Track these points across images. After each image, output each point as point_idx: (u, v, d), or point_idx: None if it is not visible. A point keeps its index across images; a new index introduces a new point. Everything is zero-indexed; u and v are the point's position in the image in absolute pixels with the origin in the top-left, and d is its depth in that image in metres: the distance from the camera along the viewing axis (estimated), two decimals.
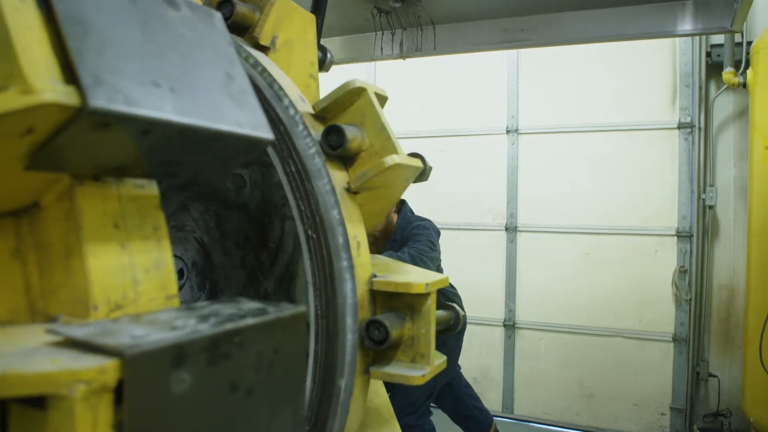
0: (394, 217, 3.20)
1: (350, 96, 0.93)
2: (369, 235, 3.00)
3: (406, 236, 3.06)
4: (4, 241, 0.62)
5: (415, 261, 2.77)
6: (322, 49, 1.39)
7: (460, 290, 4.76)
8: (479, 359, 4.75)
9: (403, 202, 3.30)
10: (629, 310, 4.30)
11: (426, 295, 0.87)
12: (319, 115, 0.95)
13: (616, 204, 4.32)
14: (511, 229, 4.60)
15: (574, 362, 4.44)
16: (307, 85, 1.16)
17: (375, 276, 0.91)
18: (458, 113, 4.81)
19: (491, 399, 4.70)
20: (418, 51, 3.15)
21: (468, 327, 4.79)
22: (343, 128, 0.88)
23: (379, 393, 1.06)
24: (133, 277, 0.62)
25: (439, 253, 3.18)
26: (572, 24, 2.75)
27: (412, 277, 0.92)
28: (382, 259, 1.11)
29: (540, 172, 4.54)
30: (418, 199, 4.92)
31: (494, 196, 4.68)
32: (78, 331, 0.50)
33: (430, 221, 3.23)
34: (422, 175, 1.06)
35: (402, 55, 3.22)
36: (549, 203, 4.50)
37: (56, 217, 0.60)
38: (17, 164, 0.52)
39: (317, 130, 0.90)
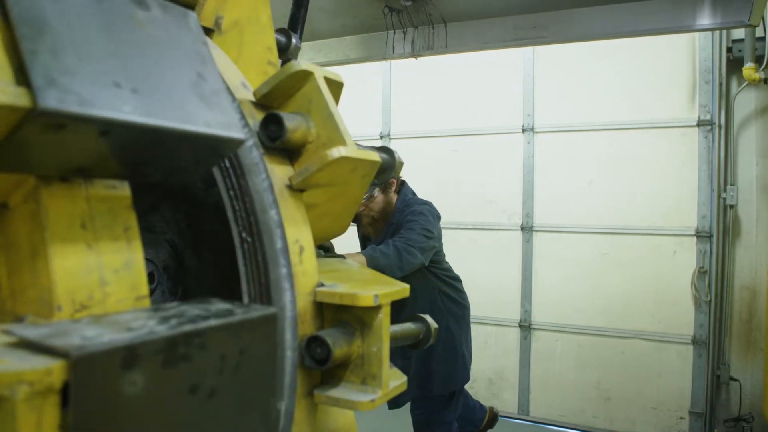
0: (394, 197, 3.05)
1: (294, 80, 0.83)
2: (367, 216, 2.89)
3: (402, 221, 2.87)
4: None
5: (400, 253, 2.63)
6: (285, 34, 1.28)
7: (475, 291, 4.74)
8: (494, 360, 4.71)
9: (403, 183, 3.13)
10: (647, 312, 4.23)
11: (376, 309, 0.78)
12: (262, 103, 0.85)
13: (634, 203, 4.26)
14: (527, 229, 4.56)
15: (591, 364, 4.38)
16: (264, 72, 1.04)
17: (321, 285, 0.82)
18: (473, 112, 4.78)
19: (507, 400, 4.67)
20: (429, 49, 3.14)
21: (483, 328, 4.77)
22: (282, 117, 0.78)
23: (345, 412, 1.00)
24: (100, 278, 0.62)
25: (439, 239, 3.01)
26: (586, 20, 2.71)
27: (362, 286, 0.81)
28: (338, 264, 1.05)
29: (556, 171, 4.49)
30: (432, 198, 4.90)
31: (510, 196, 4.64)
32: (31, 332, 0.50)
33: (429, 205, 3.04)
34: (389, 171, 1.00)
35: (414, 54, 3.21)
36: (565, 202, 4.45)
37: (23, 218, 0.60)
38: None
39: (257, 120, 0.81)
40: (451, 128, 4.86)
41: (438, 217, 3.01)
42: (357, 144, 0.88)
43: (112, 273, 0.63)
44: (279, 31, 1.28)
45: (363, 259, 2.51)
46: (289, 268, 0.76)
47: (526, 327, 4.57)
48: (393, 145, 5.11)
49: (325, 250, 1.46)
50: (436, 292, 3.07)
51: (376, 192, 2.96)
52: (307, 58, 3.52)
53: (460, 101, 4.83)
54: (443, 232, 5.04)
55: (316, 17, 3.35)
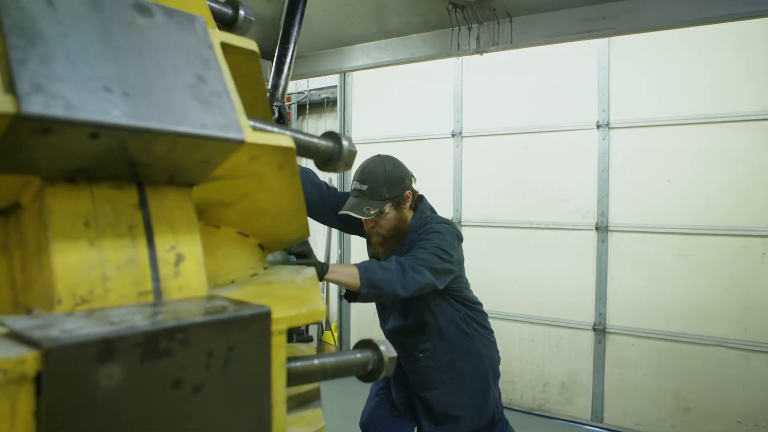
0: (409, 215, 2.64)
1: None
2: (377, 235, 2.58)
3: (416, 241, 2.52)
4: None
5: (404, 270, 2.29)
6: (232, 5, 1.13)
7: (547, 292, 4.64)
8: (567, 363, 4.59)
9: (420, 199, 2.73)
10: (732, 318, 3.99)
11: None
12: None
13: (718, 202, 4.02)
14: (602, 229, 4.40)
15: (670, 372, 4.18)
16: None
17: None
18: (545, 109, 4.66)
19: (580, 405, 4.53)
20: (495, 45, 3.10)
21: (555, 330, 4.65)
22: None
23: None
24: (102, 274, 0.65)
25: (459, 264, 2.60)
26: (658, 8, 2.59)
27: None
28: (280, 275, 0.95)
29: (633, 168, 4.31)
30: (504, 198, 4.83)
31: (584, 195, 4.50)
32: (19, 324, 0.53)
33: (450, 224, 2.63)
34: (335, 160, 0.91)
35: (479, 50, 3.17)
36: (643, 201, 4.27)
37: (31, 217, 0.64)
38: None
39: None
40: (522, 125, 4.76)
41: (459, 238, 2.65)
42: (264, 126, 0.80)
43: (115, 269, 0.66)
44: (227, 2, 1.14)
45: (354, 271, 2.22)
46: (159, 283, 0.69)
47: (600, 330, 4.42)
48: (465, 144, 5.07)
49: (299, 256, 1.35)
50: (461, 315, 2.70)
51: (387, 208, 2.56)
52: (372, 58, 3.55)
53: (531, 98, 4.73)
54: (514, 232, 5.01)
55: (381, 16, 3.37)
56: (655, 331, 4.22)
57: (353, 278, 2.21)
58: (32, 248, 0.64)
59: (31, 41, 0.54)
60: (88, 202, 0.65)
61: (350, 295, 2.31)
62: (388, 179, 2.54)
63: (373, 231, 2.61)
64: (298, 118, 6.87)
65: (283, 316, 0.71)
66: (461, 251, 2.65)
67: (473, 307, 2.77)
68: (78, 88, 0.56)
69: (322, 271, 2.14)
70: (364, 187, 2.53)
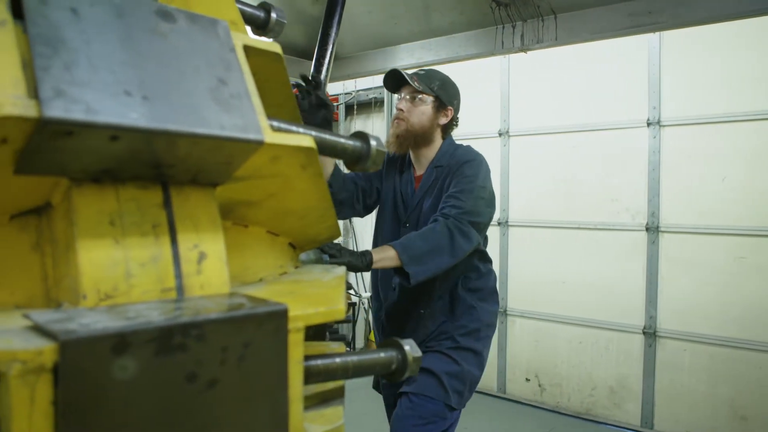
0: (439, 133, 2.51)
1: None
2: (400, 124, 2.45)
3: (453, 170, 2.35)
4: (26, 236, 0.71)
5: (452, 235, 2.13)
6: (264, 8, 1.15)
7: (596, 294, 4.54)
8: (616, 367, 4.48)
9: (448, 128, 2.58)
10: None
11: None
12: None
13: None
14: (653, 230, 4.29)
15: (724, 379, 4.04)
16: None
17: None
18: (594, 107, 4.56)
19: (629, 411, 4.42)
20: (539, 43, 3.06)
21: (604, 333, 4.55)
22: None
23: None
24: (126, 271, 0.67)
25: (491, 202, 2.41)
26: (705, 1, 2.51)
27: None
28: (308, 274, 0.95)
29: (685, 166, 4.18)
30: (551, 198, 4.76)
31: (633, 194, 4.39)
32: (41, 317, 0.56)
33: (481, 158, 2.46)
34: (364, 160, 0.92)
35: (523, 48, 3.14)
36: (696, 201, 4.13)
37: (60, 215, 0.68)
38: (6, 169, 0.60)
39: None
40: (570, 124, 4.68)
41: (489, 172, 2.48)
42: (289, 126, 0.81)
43: (139, 266, 0.68)
44: (259, 5, 1.16)
45: (392, 253, 2.09)
46: (181, 280, 0.71)
47: (650, 334, 4.31)
48: (512, 143, 5.02)
49: (331, 255, 1.35)
50: (459, 279, 2.48)
51: (429, 101, 2.44)
52: (416, 57, 3.55)
53: (580, 95, 4.64)
54: (562, 232, 4.93)
55: (425, 15, 3.37)
56: (708, 335, 4.08)
57: (394, 260, 2.10)
58: (61, 246, 0.67)
59: (55, 49, 0.57)
60: (113, 202, 0.68)
61: (403, 278, 2.17)
62: (444, 80, 2.53)
63: (400, 117, 2.46)
64: (346, 118, 6.92)
65: (300, 314, 0.72)
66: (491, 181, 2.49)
67: (478, 264, 2.56)
68: (99, 92, 0.58)
69: (368, 261, 2.04)
70: (422, 72, 2.52)
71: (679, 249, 4.22)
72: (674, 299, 4.23)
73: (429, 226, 2.20)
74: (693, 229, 4.15)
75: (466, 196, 2.26)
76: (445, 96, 2.50)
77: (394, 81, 2.50)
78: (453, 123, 2.59)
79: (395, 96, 2.54)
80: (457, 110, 2.59)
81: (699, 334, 4.12)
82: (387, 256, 2.09)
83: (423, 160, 2.54)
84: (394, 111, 2.54)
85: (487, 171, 2.43)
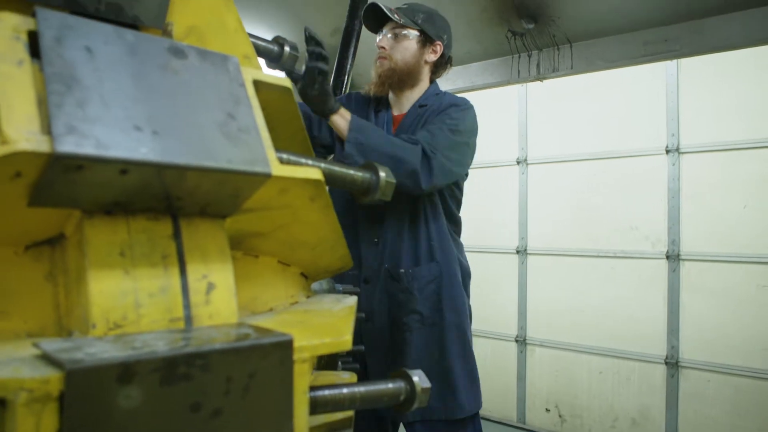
0: (427, 73, 2.28)
1: None
2: (383, 63, 2.20)
3: (438, 110, 2.15)
4: (40, 265, 0.72)
5: (430, 162, 1.95)
6: (278, 42, 1.18)
7: (616, 323, 4.48)
8: (638, 398, 4.39)
9: (438, 67, 2.33)
10: None
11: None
12: None
13: None
14: (673, 258, 4.23)
15: (751, 411, 3.93)
16: None
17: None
18: (612, 134, 4.54)
19: None
20: (555, 72, 3.08)
21: (625, 363, 4.47)
22: None
23: None
24: (135, 301, 0.69)
25: (463, 159, 2.18)
26: (723, 28, 2.52)
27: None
28: (318, 304, 0.95)
29: (705, 193, 4.13)
30: (571, 226, 4.73)
31: (653, 222, 4.34)
32: (50, 346, 0.57)
33: (471, 106, 2.23)
34: (373, 191, 0.93)
35: (539, 77, 3.16)
36: (717, 229, 4.07)
37: (73, 246, 0.69)
38: (21, 202, 0.62)
39: None
40: (589, 151, 4.66)
41: (477, 124, 2.26)
42: (298, 159, 0.82)
43: (147, 297, 0.70)
44: (273, 39, 1.19)
45: (346, 125, 1.90)
46: (188, 310, 0.72)
47: (673, 364, 4.22)
48: (530, 171, 5.01)
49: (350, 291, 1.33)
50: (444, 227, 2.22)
51: (413, 35, 2.20)
52: None
53: (598, 123, 4.63)
54: (581, 260, 4.89)
55: None
56: (732, 366, 3.99)
57: (343, 132, 1.91)
58: (73, 275, 0.69)
59: (68, 86, 0.59)
60: (124, 233, 0.70)
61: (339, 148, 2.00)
62: (430, 13, 2.26)
63: (382, 56, 2.23)
64: None
65: (306, 344, 0.73)
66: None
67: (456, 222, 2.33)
68: (110, 127, 0.60)
69: (330, 109, 1.90)
70: (405, 6, 2.26)
71: (700, 277, 4.15)
72: (696, 328, 4.15)
73: (404, 137, 2.00)
74: (714, 257, 4.09)
75: (444, 135, 2.04)
76: (432, 29, 2.22)
77: (375, 20, 2.26)
78: (445, 61, 2.32)
79: (377, 36, 2.29)
80: (447, 46, 2.30)
81: (723, 365, 4.03)
82: (341, 126, 1.92)
83: (405, 101, 2.28)
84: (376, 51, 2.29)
85: (474, 123, 2.21)
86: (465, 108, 2.17)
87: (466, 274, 2.29)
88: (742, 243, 3.96)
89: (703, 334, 4.11)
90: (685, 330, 4.17)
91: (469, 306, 2.29)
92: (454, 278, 2.18)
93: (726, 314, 4.01)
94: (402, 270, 2.15)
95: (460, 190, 2.29)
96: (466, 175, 2.29)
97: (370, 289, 2.17)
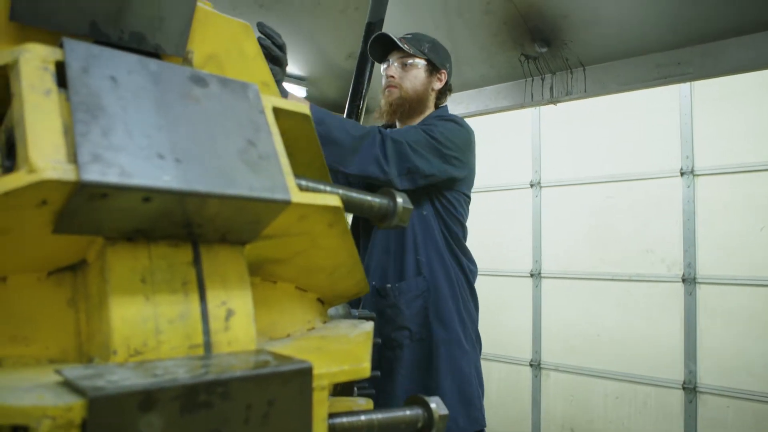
0: (432, 101, 2.33)
1: None
2: (392, 92, 2.21)
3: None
4: (62, 291, 0.73)
5: (385, 143, 1.93)
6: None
7: (632, 347, 4.43)
8: (655, 424, 4.32)
9: (442, 94, 2.38)
10: None
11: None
12: None
13: None
14: (689, 281, 4.19)
15: None
16: None
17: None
18: (626, 157, 4.54)
19: None
20: (568, 95, 3.09)
21: (642, 388, 4.41)
22: None
23: None
24: (155, 327, 0.69)
25: (463, 167, 2.17)
26: (735, 51, 2.52)
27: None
28: (336, 330, 0.94)
29: (721, 216, 4.10)
30: (585, 249, 4.70)
31: (668, 245, 4.31)
32: (72, 373, 0.57)
33: (459, 121, 2.22)
34: (390, 217, 0.93)
35: (553, 100, 3.17)
36: (733, 251, 4.03)
37: (94, 273, 0.70)
38: (45, 229, 0.63)
39: None
40: (603, 174, 4.65)
41: (468, 141, 2.21)
42: (317, 185, 0.83)
43: (167, 323, 0.70)
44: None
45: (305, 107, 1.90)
46: (209, 337, 0.72)
47: (690, 390, 4.16)
48: (544, 194, 5.00)
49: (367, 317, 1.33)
50: (443, 249, 2.20)
51: (421, 64, 2.25)
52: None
53: (611, 146, 4.62)
54: (596, 283, 4.84)
55: (456, 69, 3.43)
56: (752, 392, 3.92)
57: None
58: (95, 302, 0.70)
59: (94, 115, 0.60)
60: (145, 260, 0.70)
61: None
62: (434, 42, 2.31)
63: (392, 84, 2.26)
64: None
65: (325, 371, 0.73)
66: (471, 162, 2.26)
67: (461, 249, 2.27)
68: (133, 156, 0.61)
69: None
70: (409, 36, 2.29)
71: (717, 301, 4.10)
72: (714, 353, 4.09)
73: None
74: (732, 280, 4.04)
75: (415, 131, 2.05)
76: (437, 58, 2.30)
77: (381, 49, 2.31)
78: (447, 88, 2.39)
79: (382, 66, 2.33)
80: (450, 74, 2.38)
81: (742, 390, 3.96)
82: (297, 100, 1.86)
83: None
84: (383, 80, 2.32)
85: (454, 134, 2.14)
86: (447, 119, 2.20)
87: (468, 284, 2.26)
88: (760, 265, 3.92)
89: (721, 358, 4.05)
90: (702, 354, 4.12)
91: (471, 321, 2.24)
92: (442, 293, 2.16)
93: (745, 338, 3.96)
94: (389, 285, 2.15)
95: (459, 203, 2.24)
96: (465, 190, 2.25)
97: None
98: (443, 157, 2.07)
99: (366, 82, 2.38)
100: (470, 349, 2.19)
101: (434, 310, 2.15)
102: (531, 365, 4.97)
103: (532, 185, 5.10)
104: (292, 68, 3.70)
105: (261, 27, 1.73)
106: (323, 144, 1.71)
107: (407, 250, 2.15)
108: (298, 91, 3.73)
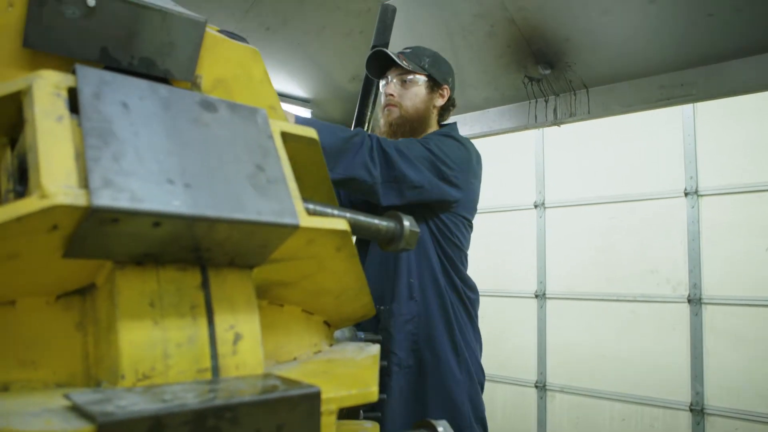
0: (434, 118, 2.25)
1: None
2: (392, 110, 2.12)
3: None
4: (70, 315, 0.73)
5: (368, 150, 1.84)
6: None
7: (638, 368, 4.39)
8: None
9: (444, 111, 2.30)
10: None
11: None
12: None
13: None
14: (695, 301, 4.17)
15: None
16: None
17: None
18: (630, 177, 4.54)
19: None
20: (572, 116, 3.10)
21: (649, 409, 4.37)
22: None
23: None
24: (164, 351, 0.69)
25: (465, 189, 2.09)
26: (739, 72, 2.53)
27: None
28: (342, 353, 0.94)
29: (726, 236, 4.09)
30: (590, 269, 4.69)
31: (673, 265, 4.29)
32: (81, 398, 0.57)
33: (456, 136, 2.14)
34: (397, 240, 0.94)
35: (556, 122, 3.18)
36: (739, 272, 4.02)
37: (103, 296, 0.70)
38: (56, 253, 0.63)
39: None
40: (607, 195, 4.65)
41: (468, 160, 2.11)
42: (324, 209, 0.84)
43: (175, 347, 0.70)
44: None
45: (313, 131, 1.76)
46: (216, 360, 0.72)
47: (698, 411, 4.11)
48: (548, 215, 5.00)
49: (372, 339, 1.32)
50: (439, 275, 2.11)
51: (421, 81, 2.17)
52: None
53: (615, 166, 4.63)
54: (601, 304, 4.82)
55: (460, 91, 3.46)
56: (761, 413, 3.88)
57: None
58: (103, 325, 0.70)
59: (105, 141, 0.61)
60: (154, 284, 0.70)
61: None
62: (435, 57, 2.22)
63: (391, 103, 2.19)
64: None
65: (333, 396, 0.72)
66: (477, 178, 2.17)
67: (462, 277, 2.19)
68: (144, 181, 0.61)
69: None
70: (408, 50, 2.20)
71: (724, 321, 4.08)
72: (722, 374, 4.06)
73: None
74: (738, 300, 4.02)
75: (408, 141, 1.98)
76: (439, 74, 2.20)
77: (379, 64, 2.22)
78: (450, 104, 2.29)
79: (381, 83, 2.26)
80: (452, 89, 2.29)
81: (751, 412, 3.92)
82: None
83: None
84: (382, 98, 2.24)
85: (450, 149, 2.05)
86: (447, 135, 2.12)
87: (466, 313, 2.17)
88: (766, 285, 3.90)
89: (728, 379, 4.01)
90: (709, 376, 4.08)
91: (468, 350, 2.14)
92: (434, 319, 2.07)
93: (752, 359, 3.93)
94: (381, 307, 2.07)
95: (457, 227, 2.15)
96: (463, 212, 2.16)
97: None
98: (436, 170, 1.97)
99: (371, 105, 2.39)
100: (463, 379, 2.08)
101: (425, 337, 2.07)
102: (536, 386, 4.94)
103: (536, 206, 5.10)
104: (297, 90, 3.73)
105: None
106: None
107: (400, 272, 2.08)
108: (303, 112, 3.75)
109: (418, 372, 2.06)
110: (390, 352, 2.04)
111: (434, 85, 2.20)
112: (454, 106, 2.32)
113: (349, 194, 2.18)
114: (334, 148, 1.78)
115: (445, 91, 2.24)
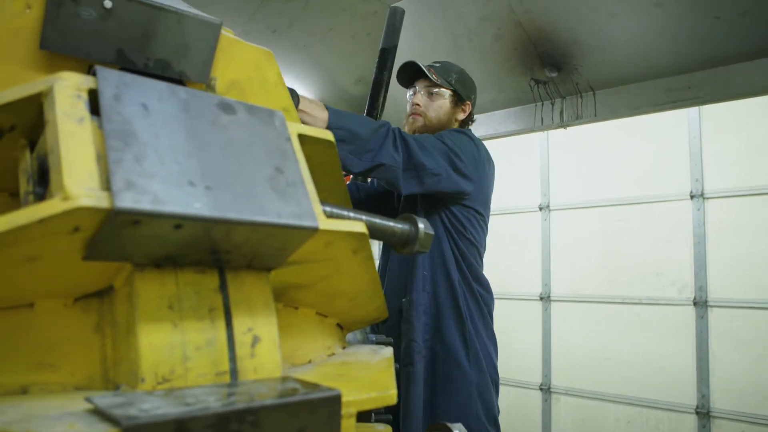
0: (455, 120, 2.34)
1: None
2: (416, 119, 2.23)
3: None
4: (89, 317, 0.73)
5: (392, 139, 1.91)
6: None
7: (643, 370, 4.38)
8: None
9: (464, 125, 2.42)
10: None
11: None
12: None
13: None
14: (701, 304, 4.15)
15: None
16: None
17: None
18: (635, 180, 4.53)
19: None
20: (578, 119, 3.09)
21: (654, 412, 4.35)
22: None
23: None
24: (183, 354, 0.68)
25: (478, 183, 2.17)
26: (747, 75, 2.53)
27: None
28: (357, 356, 0.94)
29: (732, 239, 4.07)
30: (595, 272, 4.68)
31: (679, 268, 4.27)
32: (103, 401, 0.57)
33: (467, 133, 2.25)
34: (412, 243, 0.94)
35: (563, 125, 3.18)
36: (745, 274, 4.00)
37: (122, 299, 0.70)
38: (76, 255, 0.63)
39: None
40: (612, 197, 4.64)
41: (477, 156, 2.18)
42: (341, 211, 0.84)
43: (195, 350, 0.69)
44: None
45: (325, 115, 1.80)
46: (234, 363, 0.72)
47: (704, 414, 4.10)
48: (553, 217, 4.99)
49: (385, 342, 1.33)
50: (452, 268, 2.18)
51: (447, 95, 2.30)
52: None
53: (621, 169, 4.62)
54: (606, 307, 4.81)
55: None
56: (767, 416, 3.87)
57: (323, 123, 1.80)
58: (122, 328, 0.69)
59: (127, 143, 0.61)
60: (173, 286, 0.70)
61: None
62: (461, 73, 2.35)
63: (417, 112, 2.30)
64: None
65: (353, 399, 0.72)
66: (486, 183, 2.26)
67: (475, 275, 2.25)
68: (165, 183, 0.61)
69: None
70: (437, 64, 2.34)
71: (730, 324, 4.06)
72: (728, 377, 4.04)
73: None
74: (744, 303, 4.01)
75: (423, 135, 2.08)
76: (463, 90, 2.33)
77: (409, 74, 2.34)
78: (470, 119, 2.41)
79: (408, 92, 2.38)
80: (474, 105, 2.41)
81: (757, 415, 3.90)
82: (318, 116, 1.80)
83: None
84: (408, 108, 2.36)
85: (464, 144, 2.14)
86: (457, 131, 2.21)
87: (479, 311, 2.23)
88: None
89: (734, 383, 4.00)
90: (715, 379, 4.07)
91: (482, 347, 2.20)
92: (444, 310, 2.15)
93: (758, 361, 3.91)
94: (404, 299, 2.16)
95: (470, 222, 2.21)
96: (476, 206, 2.22)
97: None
98: (451, 161, 2.05)
99: (380, 108, 2.39)
100: (473, 372, 2.13)
101: (436, 327, 2.14)
102: (541, 389, 4.92)
103: (541, 208, 5.09)
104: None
105: None
106: (345, 139, 1.80)
107: (417, 264, 2.16)
108: None
109: (432, 361, 2.13)
110: (411, 340, 2.11)
111: (458, 100, 2.33)
112: (473, 121, 2.45)
113: (354, 197, 2.21)
114: (365, 136, 1.85)
115: (467, 106, 2.37)
